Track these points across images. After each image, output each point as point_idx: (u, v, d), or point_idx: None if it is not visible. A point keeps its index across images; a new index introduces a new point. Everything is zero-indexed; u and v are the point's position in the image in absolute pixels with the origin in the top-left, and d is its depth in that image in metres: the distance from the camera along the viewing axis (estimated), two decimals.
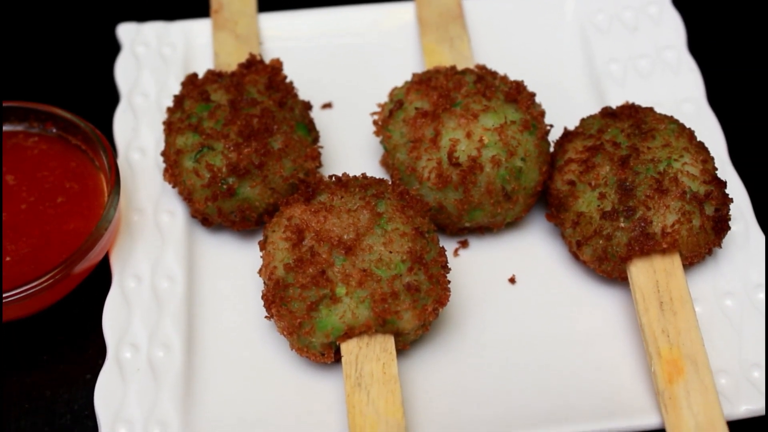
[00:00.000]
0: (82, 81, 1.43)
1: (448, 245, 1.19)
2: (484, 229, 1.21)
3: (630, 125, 1.17)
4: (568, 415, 1.06)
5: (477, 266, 1.19)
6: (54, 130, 1.21)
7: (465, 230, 1.20)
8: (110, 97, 1.33)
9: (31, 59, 1.47)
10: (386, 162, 1.23)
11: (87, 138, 1.19)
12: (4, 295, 1.06)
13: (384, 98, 1.28)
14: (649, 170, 1.12)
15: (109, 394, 1.05)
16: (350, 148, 1.29)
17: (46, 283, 1.07)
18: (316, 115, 1.31)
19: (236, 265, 1.18)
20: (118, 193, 1.14)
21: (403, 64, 1.38)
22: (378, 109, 1.27)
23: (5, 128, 1.22)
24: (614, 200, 1.12)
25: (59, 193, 1.16)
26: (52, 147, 1.20)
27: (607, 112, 1.21)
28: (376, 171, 1.25)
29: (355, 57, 1.40)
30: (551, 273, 1.18)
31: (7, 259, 1.11)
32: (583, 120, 1.22)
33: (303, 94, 1.31)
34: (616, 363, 1.10)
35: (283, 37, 1.40)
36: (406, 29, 1.41)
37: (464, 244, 1.20)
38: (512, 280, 1.17)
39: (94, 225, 1.12)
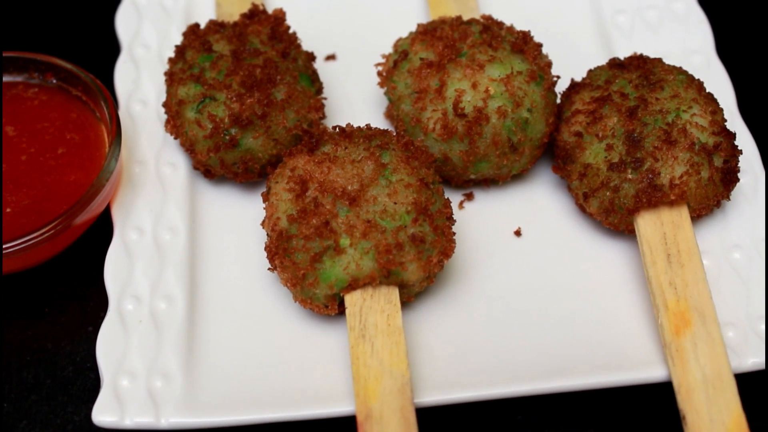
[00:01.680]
0: (83, 32, 1.41)
1: (453, 198, 1.18)
2: (489, 182, 1.19)
3: (638, 76, 1.16)
4: (573, 368, 1.05)
5: (482, 219, 1.17)
6: (54, 81, 1.20)
7: (470, 182, 1.19)
8: (111, 48, 1.31)
9: (31, 10, 1.45)
10: (390, 114, 1.22)
11: (88, 89, 1.17)
12: (4, 246, 1.05)
13: (388, 49, 1.27)
14: (657, 121, 1.11)
15: (111, 345, 1.05)
16: (354, 100, 1.28)
17: (46, 235, 1.06)
18: (320, 66, 1.30)
19: (239, 217, 1.17)
20: (119, 144, 1.12)
21: (407, 15, 1.37)
22: (382, 60, 1.26)
23: (5, 79, 1.20)
24: (622, 152, 1.10)
25: (60, 144, 1.15)
26: (52, 98, 1.19)
27: (614, 63, 1.19)
28: (380, 123, 1.24)
29: (358, 8, 1.38)
30: (557, 225, 1.17)
31: (8, 210, 1.09)
32: (590, 71, 1.21)
33: (306, 46, 1.30)
34: (623, 316, 1.09)
35: None
36: None
37: (469, 197, 1.19)
38: (518, 233, 1.16)
39: (95, 176, 1.11)
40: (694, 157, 1.09)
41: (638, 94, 1.14)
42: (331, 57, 1.32)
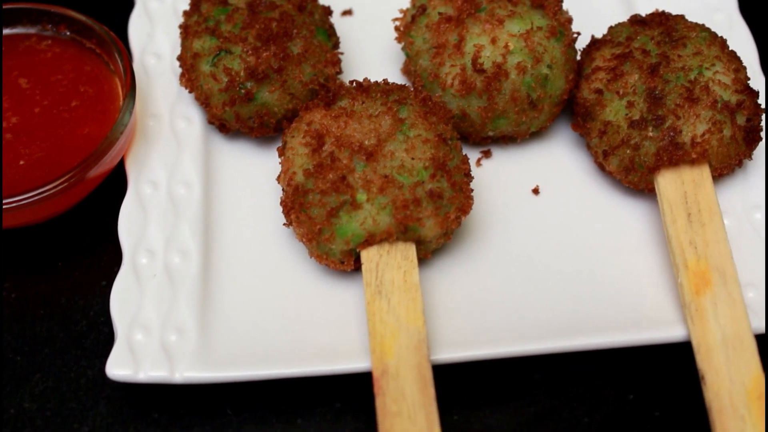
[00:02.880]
0: None
1: (471, 155, 1.17)
2: (507, 139, 1.18)
3: (660, 33, 1.14)
4: (591, 327, 1.04)
5: (500, 176, 1.16)
6: (68, 33, 1.19)
7: (488, 140, 1.17)
8: (125, 1, 1.30)
9: None
10: (408, 69, 1.20)
11: (102, 41, 1.16)
12: (17, 198, 1.04)
13: (405, 4, 1.25)
14: (679, 78, 1.09)
15: (125, 299, 1.04)
16: (370, 56, 1.26)
17: (60, 187, 1.05)
18: (336, 21, 1.28)
19: (253, 172, 1.16)
20: (133, 97, 1.11)
21: None
22: (399, 15, 1.24)
23: (18, 31, 1.19)
24: (643, 109, 1.08)
25: (73, 97, 1.14)
26: (65, 50, 1.18)
27: (636, 20, 1.17)
28: (396, 79, 1.22)
29: None
30: (576, 184, 1.15)
31: (21, 163, 1.09)
32: (611, 28, 1.19)
33: (322, 0, 1.28)
34: (641, 275, 1.08)
35: None
36: None
37: (487, 154, 1.18)
38: (536, 191, 1.15)
39: (109, 129, 1.10)
40: (717, 115, 1.07)
41: (660, 51, 1.12)
42: (347, 12, 1.31)
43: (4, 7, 1.18)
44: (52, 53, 1.17)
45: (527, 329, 1.04)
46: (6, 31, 1.19)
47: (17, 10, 1.18)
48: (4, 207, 1.04)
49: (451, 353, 1.01)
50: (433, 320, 1.04)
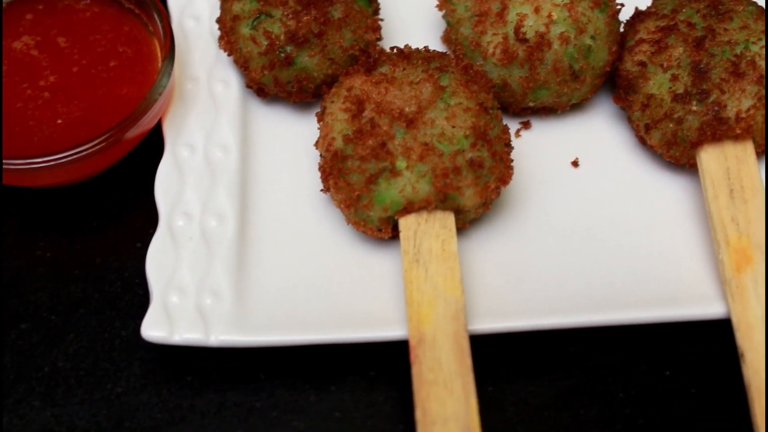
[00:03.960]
0: None
1: (510, 126, 1.15)
2: (547, 110, 1.16)
3: (706, 6, 1.12)
4: (629, 301, 1.03)
5: (539, 148, 1.15)
6: None
7: (528, 110, 1.16)
8: None
9: None
10: (448, 37, 1.19)
11: (141, 2, 1.15)
12: (54, 157, 1.03)
13: None
14: (725, 52, 1.07)
15: (161, 261, 1.03)
16: (409, 23, 1.25)
17: (96, 148, 1.05)
18: None
19: (291, 137, 1.15)
20: (172, 60, 1.10)
21: None
22: None
23: None
24: (687, 83, 1.07)
25: (112, 57, 1.13)
26: (104, 10, 1.17)
27: None
28: (436, 46, 1.20)
29: None
30: (616, 157, 1.14)
31: (59, 121, 1.08)
32: (655, 0, 1.17)
33: None
34: (681, 251, 1.07)
35: None
36: None
37: (526, 125, 1.17)
38: (575, 164, 1.14)
39: (147, 91, 1.09)
40: (762, 90, 1.05)
41: (706, 24, 1.10)
42: None
43: None
44: (91, 13, 1.16)
45: (564, 302, 1.03)
46: None
47: None
48: (40, 165, 1.03)
49: (487, 324, 1.00)
50: (470, 290, 1.03)
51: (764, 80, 1.05)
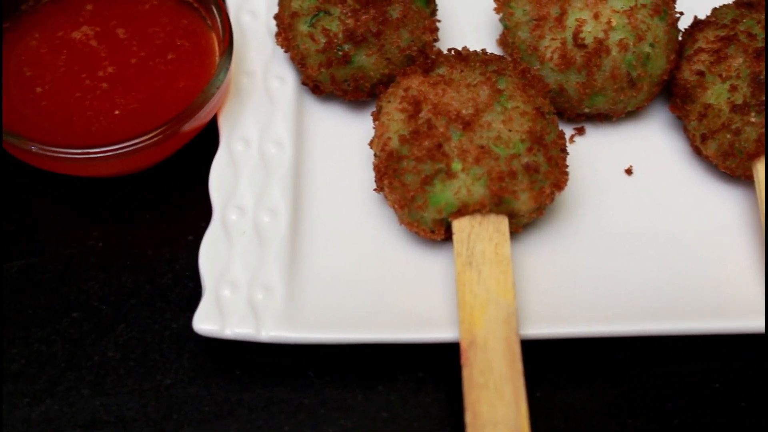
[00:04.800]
0: None
1: (565, 131, 1.14)
2: (602, 117, 1.16)
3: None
4: (679, 312, 1.02)
5: (593, 154, 1.14)
6: None
7: (583, 116, 1.16)
8: None
9: None
10: (504, 41, 1.18)
11: None
12: (110, 148, 1.04)
13: None
14: None
15: (214, 254, 1.04)
16: (465, 25, 1.25)
17: (153, 140, 1.05)
18: None
19: (345, 135, 1.15)
20: (230, 54, 1.10)
21: None
22: None
23: None
24: (746, 93, 1.06)
25: (170, 50, 1.13)
26: (163, 3, 1.17)
27: (742, 2, 1.15)
28: (492, 49, 1.20)
29: None
30: (670, 166, 1.14)
31: (116, 112, 1.09)
32: (715, 9, 1.16)
33: None
34: (733, 263, 1.06)
35: None
36: None
37: (581, 131, 1.16)
38: (629, 171, 1.13)
39: (204, 84, 1.09)
40: None
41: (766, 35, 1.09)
42: None
43: None
44: (149, 5, 1.17)
45: (615, 310, 1.03)
46: None
47: None
48: (97, 156, 1.04)
49: (537, 329, 1.00)
50: (521, 295, 1.03)
51: None
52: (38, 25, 1.15)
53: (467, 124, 1.01)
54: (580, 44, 1.09)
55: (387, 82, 1.12)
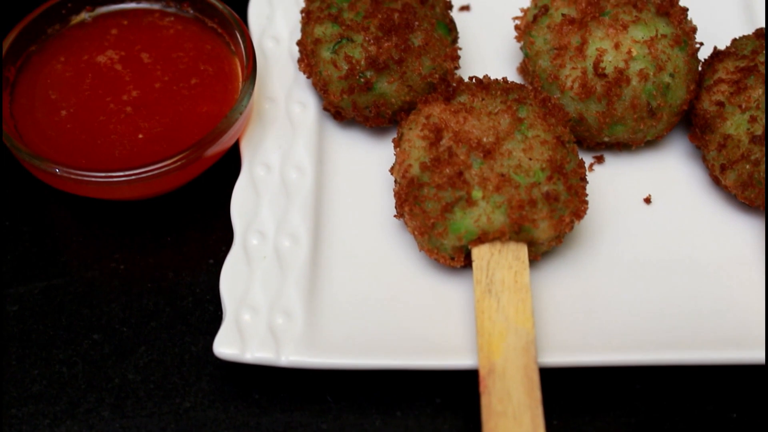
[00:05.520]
0: None
1: (584, 159, 1.15)
2: (621, 146, 1.16)
3: None
4: (697, 341, 1.02)
5: (612, 183, 1.15)
6: (191, 11, 1.20)
7: (602, 145, 1.16)
8: None
9: None
10: (524, 69, 1.19)
11: (224, 21, 1.17)
12: (134, 172, 1.05)
13: (522, 3, 1.25)
14: None
15: (234, 279, 1.04)
16: (486, 53, 1.26)
17: (177, 164, 1.06)
18: (453, 16, 1.27)
19: (366, 161, 1.16)
20: (254, 81, 1.12)
21: None
22: (516, 14, 1.23)
23: (142, 6, 1.20)
24: (765, 124, 1.07)
25: (193, 75, 1.15)
26: (187, 28, 1.19)
27: (761, 34, 1.16)
28: (512, 77, 1.22)
29: None
30: (689, 196, 1.14)
31: (140, 136, 1.10)
32: (735, 40, 1.17)
33: None
34: (752, 292, 1.06)
35: None
36: None
37: (600, 160, 1.17)
38: (647, 200, 1.14)
39: (227, 109, 1.11)
40: None
41: None
42: (465, 8, 1.30)
43: None
44: (174, 30, 1.18)
45: (633, 338, 1.03)
46: (131, 6, 1.20)
47: None
48: (120, 179, 1.05)
49: (555, 357, 1.00)
50: (539, 322, 1.03)
51: None
52: (64, 48, 1.17)
53: (488, 152, 1.02)
54: (600, 74, 1.09)
55: (408, 109, 1.13)
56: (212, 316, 1.08)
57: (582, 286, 1.07)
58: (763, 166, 1.06)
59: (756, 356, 1.01)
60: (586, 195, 1.05)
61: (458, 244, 1.02)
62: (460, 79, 1.11)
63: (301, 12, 1.18)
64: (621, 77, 1.09)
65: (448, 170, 1.02)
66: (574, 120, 1.12)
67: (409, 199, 1.03)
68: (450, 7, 1.20)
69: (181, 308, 1.09)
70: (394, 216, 1.08)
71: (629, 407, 1.03)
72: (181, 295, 1.10)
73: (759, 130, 1.07)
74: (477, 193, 1.01)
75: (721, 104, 1.10)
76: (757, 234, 1.10)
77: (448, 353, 1.01)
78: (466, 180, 1.01)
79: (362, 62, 1.11)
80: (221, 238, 1.12)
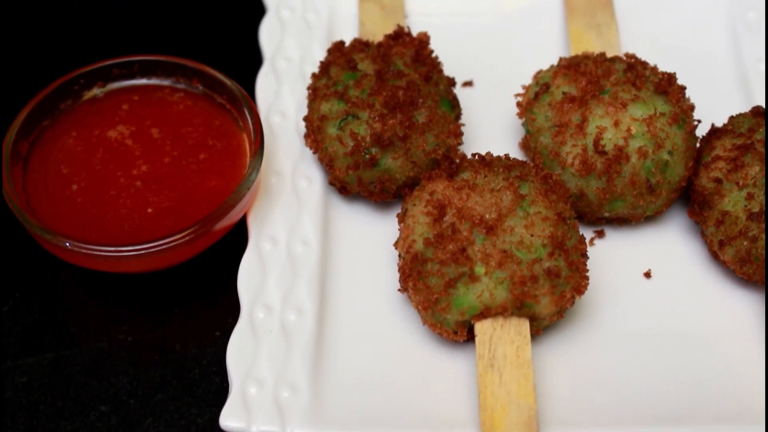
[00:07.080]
0: (227, 42, 1.44)
1: (585, 234, 1.17)
2: (622, 221, 1.18)
3: None
4: (699, 416, 1.03)
5: (612, 258, 1.17)
6: (200, 88, 1.22)
7: (602, 220, 1.18)
8: (254, 59, 1.33)
9: (174, 19, 1.48)
10: (526, 145, 1.22)
11: (233, 97, 1.19)
12: (144, 246, 1.07)
13: (523, 80, 1.27)
14: None
15: (241, 352, 1.06)
16: (489, 128, 1.28)
17: (186, 239, 1.08)
18: (456, 92, 1.30)
19: (370, 236, 1.18)
20: (261, 156, 1.14)
21: (545, 47, 1.36)
22: (518, 90, 1.26)
23: (153, 82, 1.23)
24: (762, 201, 1.09)
25: (202, 150, 1.17)
26: (197, 103, 1.21)
27: (758, 111, 1.18)
28: (514, 152, 1.24)
29: (496, 37, 1.38)
30: (688, 271, 1.16)
31: (149, 210, 1.12)
32: (732, 118, 1.19)
33: (444, 70, 1.30)
34: (751, 368, 1.08)
35: (426, 11, 1.39)
36: (551, 12, 1.39)
37: (600, 234, 1.19)
38: (647, 275, 1.15)
39: (235, 184, 1.13)
40: None
41: None
42: (467, 83, 1.33)
43: (142, 59, 1.22)
44: (183, 105, 1.21)
45: (635, 413, 1.04)
46: (141, 81, 1.23)
47: (153, 62, 1.22)
48: (129, 254, 1.07)
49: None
50: (542, 397, 1.04)
51: None
52: (76, 123, 1.19)
53: (490, 229, 1.04)
54: (600, 151, 1.12)
55: (412, 184, 1.15)
56: (218, 387, 1.10)
57: (583, 361, 1.08)
58: (760, 243, 1.08)
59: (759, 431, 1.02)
60: (587, 270, 1.07)
61: (461, 319, 1.04)
62: (463, 156, 1.13)
63: (308, 89, 1.20)
64: (621, 154, 1.12)
65: (451, 246, 1.04)
66: (575, 196, 1.14)
67: (413, 274, 1.05)
68: (453, 83, 1.22)
69: (187, 380, 1.11)
70: (398, 290, 1.10)
71: None
72: (188, 367, 1.12)
73: (756, 207, 1.09)
74: (480, 269, 1.03)
75: (718, 181, 1.12)
76: (756, 308, 1.12)
77: (451, 427, 1.02)
78: (469, 256, 1.03)
79: (367, 139, 1.13)
80: (228, 310, 1.14)
